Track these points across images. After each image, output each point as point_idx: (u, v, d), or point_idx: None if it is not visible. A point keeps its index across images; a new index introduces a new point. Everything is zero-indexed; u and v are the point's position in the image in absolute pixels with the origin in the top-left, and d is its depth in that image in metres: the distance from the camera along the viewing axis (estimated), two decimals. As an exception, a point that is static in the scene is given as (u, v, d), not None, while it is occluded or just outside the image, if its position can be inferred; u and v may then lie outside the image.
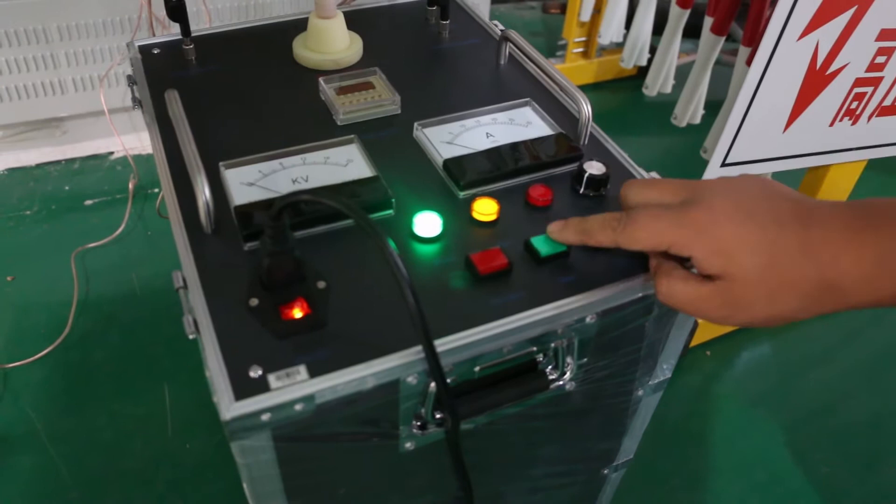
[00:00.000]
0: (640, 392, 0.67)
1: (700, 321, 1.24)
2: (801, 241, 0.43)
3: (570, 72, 1.86)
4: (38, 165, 1.55)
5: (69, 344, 1.19)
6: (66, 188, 1.50)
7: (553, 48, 1.95)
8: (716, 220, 0.45)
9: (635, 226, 0.48)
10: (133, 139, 1.55)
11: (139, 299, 1.28)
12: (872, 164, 1.11)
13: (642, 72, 1.82)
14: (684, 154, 1.44)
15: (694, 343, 1.27)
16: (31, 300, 1.26)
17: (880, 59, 0.89)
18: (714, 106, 1.10)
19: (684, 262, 0.49)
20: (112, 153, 1.58)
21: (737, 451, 1.14)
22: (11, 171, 1.53)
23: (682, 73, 1.21)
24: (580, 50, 1.88)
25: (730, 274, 0.45)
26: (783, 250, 0.44)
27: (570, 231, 0.52)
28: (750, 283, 0.44)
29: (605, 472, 0.77)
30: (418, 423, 0.52)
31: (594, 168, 0.59)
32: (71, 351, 1.19)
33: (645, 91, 1.31)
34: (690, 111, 1.19)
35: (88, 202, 1.47)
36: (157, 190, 1.49)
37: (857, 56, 0.87)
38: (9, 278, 1.29)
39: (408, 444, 0.54)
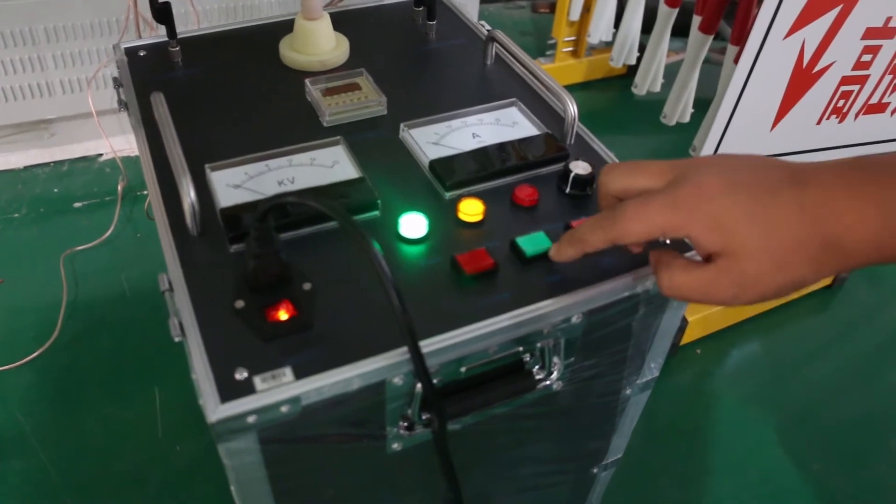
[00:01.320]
0: (629, 391, 0.67)
1: (690, 318, 1.24)
2: (799, 202, 0.42)
3: (559, 71, 1.87)
4: (27, 168, 1.54)
5: (58, 347, 1.19)
6: (55, 191, 1.49)
7: (542, 48, 1.95)
8: (707, 195, 0.43)
9: (624, 218, 0.45)
10: (122, 141, 1.55)
11: (129, 301, 1.27)
12: (859, 162, 1.12)
13: (632, 71, 1.83)
14: (674, 153, 1.45)
15: (684, 341, 1.28)
16: (20, 303, 1.26)
17: (866, 58, 0.89)
18: (703, 104, 1.10)
19: (683, 252, 0.48)
20: (101, 155, 1.58)
21: (728, 449, 1.15)
22: (-1, 173, 1.52)
23: (671, 72, 1.21)
24: (570, 49, 1.89)
25: (731, 249, 0.43)
26: (781, 215, 0.42)
27: (564, 245, 0.51)
28: (753, 254, 0.42)
29: (595, 470, 0.77)
30: (405, 424, 0.52)
31: (580, 168, 0.59)
32: (60, 354, 1.18)
33: (634, 90, 1.31)
34: (679, 110, 1.19)
35: (77, 204, 1.46)
36: (146, 192, 1.48)
37: (843, 54, 0.87)
38: (-3, 281, 1.29)
39: (395, 445, 0.54)
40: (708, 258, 0.45)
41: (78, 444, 1.07)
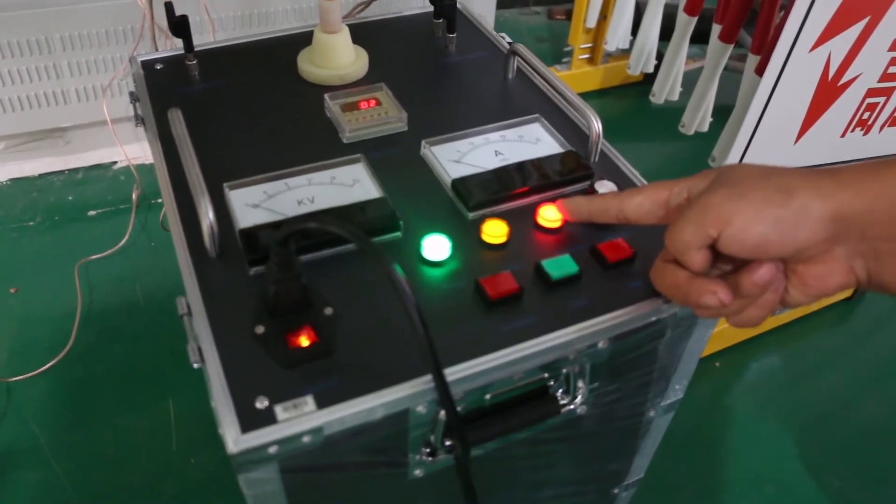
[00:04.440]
0: (652, 413, 0.65)
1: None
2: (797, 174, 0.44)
3: (575, 78, 1.85)
4: (42, 175, 1.54)
5: (73, 357, 1.18)
6: (70, 198, 1.49)
7: (559, 55, 1.93)
8: (711, 202, 0.45)
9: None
10: (136, 149, 1.54)
11: (143, 311, 1.27)
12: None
13: (649, 78, 1.81)
14: (692, 162, 1.43)
15: (703, 354, 1.26)
16: (34, 312, 1.25)
17: (893, 70, 0.88)
18: (721, 112, 1.09)
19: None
20: (115, 163, 1.57)
21: (747, 463, 1.13)
22: (14, 181, 1.52)
23: (690, 80, 1.19)
24: (586, 56, 1.87)
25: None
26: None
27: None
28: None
29: (616, 491, 0.76)
30: (427, 451, 0.51)
31: (605, 187, 0.58)
32: (74, 364, 1.18)
33: (652, 99, 1.29)
34: (698, 119, 1.17)
35: (92, 213, 1.46)
36: (160, 200, 1.48)
37: (869, 66, 0.86)
38: (12, 290, 1.29)
39: (417, 472, 0.53)
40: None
41: (92, 456, 1.07)
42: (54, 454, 1.07)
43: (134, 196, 1.47)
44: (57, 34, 1.34)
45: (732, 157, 0.89)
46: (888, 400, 1.24)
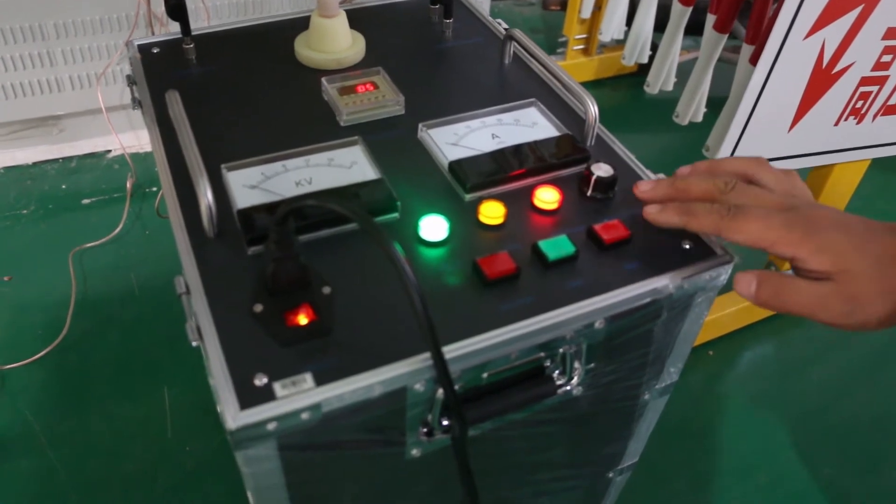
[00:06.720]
0: (647, 396, 0.66)
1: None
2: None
3: (570, 69, 1.86)
4: (35, 164, 1.53)
5: (67, 345, 1.18)
6: (63, 187, 1.48)
7: (553, 45, 1.94)
8: (820, 226, 0.48)
9: (745, 218, 0.49)
10: (130, 137, 1.54)
11: (138, 299, 1.26)
12: (874, 163, 1.11)
13: (643, 69, 1.81)
14: (686, 152, 1.43)
15: (697, 343, 1.26)
16: (28, 301, 1.25)
17: (886, 58, 0.88)
18: (715, 103, 1.09)
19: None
20: (109, 151, 1.57)
21: (739, 451, 1.14)
22: (8, 169, 1.51)
23: (684, 71, 1.20)
24: (581, 47, 1.88)
25: (843, 268, 0.47)
26: (886, 251, 0.47)
27: (671, 211, 0.53)
28: (865, 278, 0.47)
29: (611, 475, 0.76)
30: (425, 430, 0.52)
31: (602, 170, 0.58)
32: (69, 352, 1.18)
33: (646, 89, 1.30)
34: (692, 109, 1.17)
35: (86, 201, 1.45)
36: (155, 188, 1.48)
37: (863, 55, 0.86)
38: (6, 278, 1.28)
39: (414, 451, 0.53)
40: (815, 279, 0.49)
41: (86, 444, 1.07)
42: (49, 442, 1.07)
43: (128, 184, 1.46)
44: (51, 21, 1.34)
45: (726, 146, 0.90)
46: (879, 389, 1.25)
